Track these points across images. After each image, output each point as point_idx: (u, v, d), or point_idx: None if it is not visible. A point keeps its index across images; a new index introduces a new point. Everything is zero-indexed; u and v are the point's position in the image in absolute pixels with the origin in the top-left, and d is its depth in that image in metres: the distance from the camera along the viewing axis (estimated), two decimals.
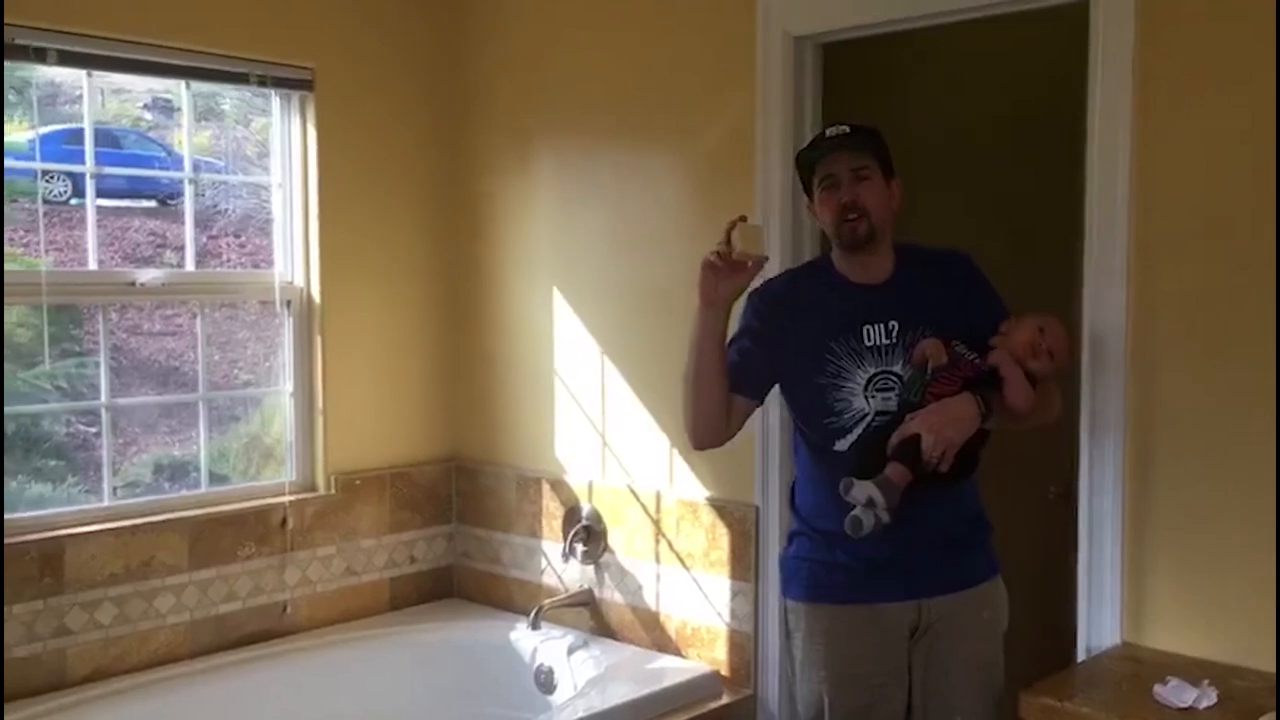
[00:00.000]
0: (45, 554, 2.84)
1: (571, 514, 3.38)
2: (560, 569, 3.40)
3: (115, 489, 3.12)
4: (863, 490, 2.04)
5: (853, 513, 2.07)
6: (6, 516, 2.85)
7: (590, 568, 3.34)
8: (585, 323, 3.33)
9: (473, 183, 3.61)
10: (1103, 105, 2.38)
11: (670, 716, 2.85)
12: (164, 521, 3.08)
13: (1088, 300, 2.42)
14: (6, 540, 2.79)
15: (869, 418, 2.20)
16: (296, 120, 3.39)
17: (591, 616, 3.33)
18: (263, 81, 3.26)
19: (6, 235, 3.14)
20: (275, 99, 3.38)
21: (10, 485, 2.90)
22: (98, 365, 3.16)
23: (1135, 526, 2.37)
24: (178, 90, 3.28)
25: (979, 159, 3.57)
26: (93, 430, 3.28)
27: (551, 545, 3.42)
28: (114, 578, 2.95)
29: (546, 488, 3.45)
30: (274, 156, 3.43)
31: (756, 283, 2.25)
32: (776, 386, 2.34)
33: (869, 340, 2.22)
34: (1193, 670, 2.14)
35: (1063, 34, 2.62)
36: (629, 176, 3.22)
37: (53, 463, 3.24)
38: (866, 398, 2.21)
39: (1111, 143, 2.37)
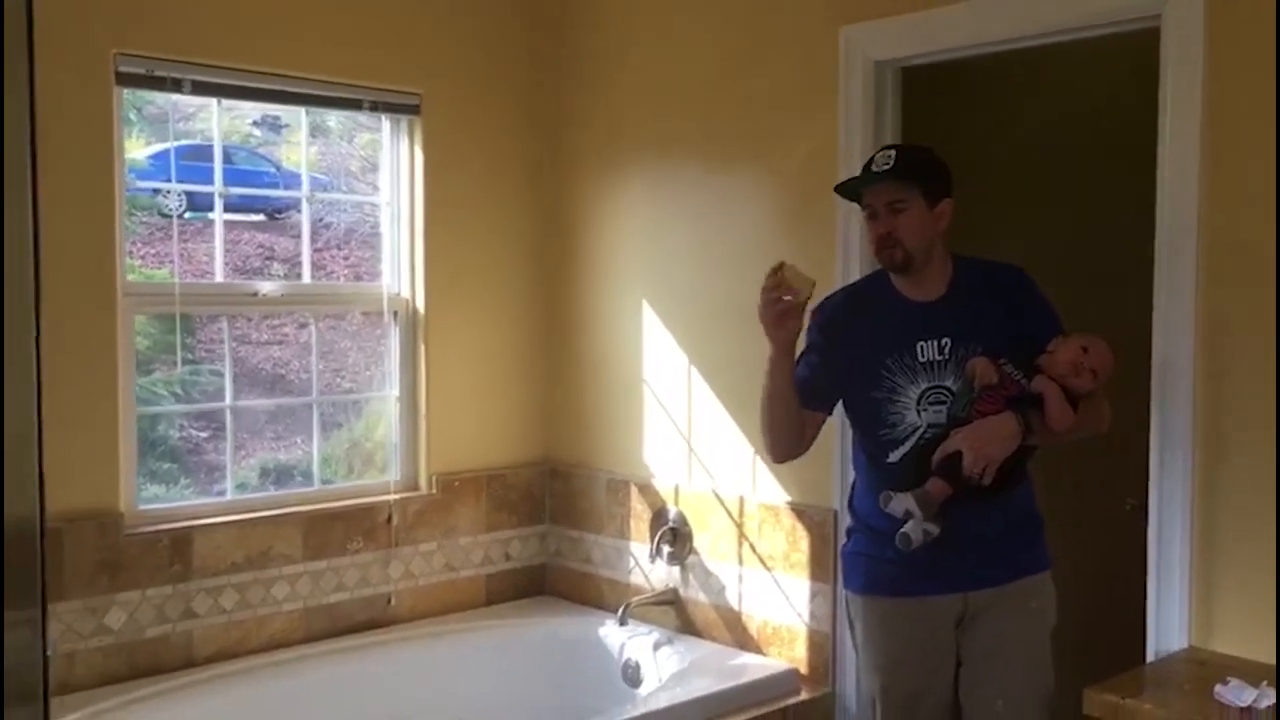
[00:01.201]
0: (175, 543, 3.09)
1: (659, 516, 3.54)
2: (647, 569, 3.56)
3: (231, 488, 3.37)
4: (900, 503, 2.18)
5: (901, 529, 2.20)
6: (141, 508, 3.11)
7: (676, 568, 3.49)
8: (673, 334, 3.49)
9: (568, 201, 3.80)
10: (1172, 131, 2.46)
11: (749, 711, 2.98)
12: (281, 515, 3.31)
13: (1157, 318, 2.50)
14: (140, 530, 3.05)
15: (921, 430, 2.31)
16: (404, 142, 3.61)
17: (676, 615, 3.48)
18: (374, 107, 3.49)
19: (128, 248, 3.41)
20: (385, 122, 3.61)
21: (140, 496, 3.15)
22: (212, 372, 3.41)
23: (1203, 536, 2.45)
24: (287, 108, 3.52)
25: (1063, 167, 3.65)
26: (204, 435, 3.53)
27: (639, 546, 3.59)
28: (235, 566, 3.19)
29: (635, 491, 3.61)
30: (382, 175, 3.65)
31: (818, 300, 2.38)
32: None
33: (922, 356, 2.32)
34: (1256, 673, 2.21)
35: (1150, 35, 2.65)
36: (715, 196, 3.38)
37: (167, 465, 3.49)
38: (919, 411, 2.31)
39: (1181, 168, 2.44)
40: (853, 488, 2.52)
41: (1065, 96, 3.64)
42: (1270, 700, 2.08)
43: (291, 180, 3.57)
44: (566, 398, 3.84)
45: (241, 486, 3.45)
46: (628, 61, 3.60)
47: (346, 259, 3.80)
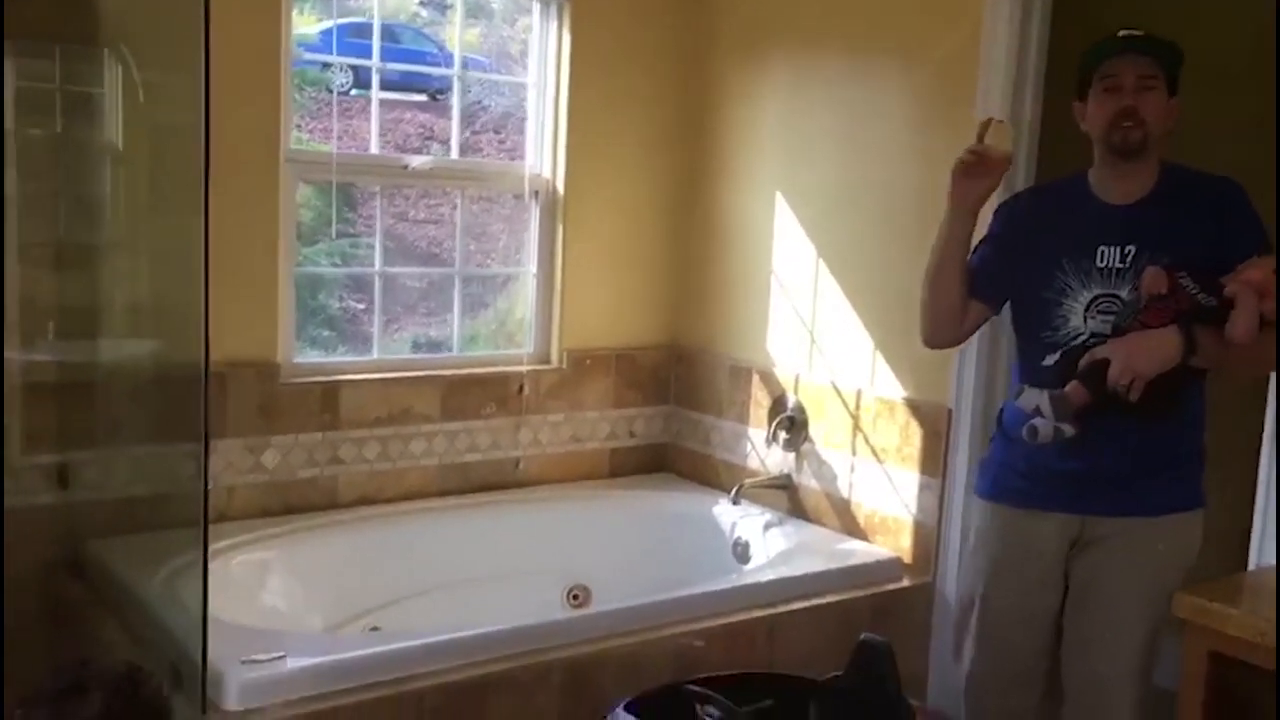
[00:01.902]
0: (326, 394, 3.34)
1: (777, 404, 3.64)
2: (763, 453, 3.69)
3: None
4: (1031, 399, 2.13)
5: (1030, 421, 2.17)
6: (296, 360, 3.36)
7: (791, 455, 3.60)
8: (803, 226, 3.55)
9: (709, 90, 3.85)
10: None
11: (851, 592, 3.11)
12: (421, 378, 3.53)
13: None
14: (295, 380, 3.30)
15: (1083, 338, 2.23)
16: (554, 26, 3.70)
17: (788, 499, 3.60)
18: None
19: (295, 121, 3.61)
20: (536, 4, 3.70)
21: (296, 351, 3.40)
22: (370, 246, 3.62)
23: None
24: None
25: (1233, 77, 3.50)
26: (360, 306, 3.76)
27: (756, 431, 3.71)
28: (378, 421, 3.43)
29: (756, 378, 3.72)
30: (531, 58, 3.76)
31: (1005, 195, 2.34)
32: None
33: (1101, 261, 2.23)
34: None
35: None
36: (854, 89, 3.39)
37: (326, 333, 3.74)
38: (1085, 318, 2.24)
39: None
40: (1003, 407, 2.49)
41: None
42: None
43: (452, 61, 3.70)
44: (696, 284, 3.94)
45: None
46: None
47: (502, 142, 3.93)
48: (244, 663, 2.30)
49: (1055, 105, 3.04)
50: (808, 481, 3.55)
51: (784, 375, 3.62)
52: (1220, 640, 2.20)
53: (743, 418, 3.76)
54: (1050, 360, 2.27)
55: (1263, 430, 2.56)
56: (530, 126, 3.78)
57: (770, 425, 3.62)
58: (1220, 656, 2.21)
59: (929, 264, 2.39)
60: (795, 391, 3.59)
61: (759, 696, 2.20)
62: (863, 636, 2.22)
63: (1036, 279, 2.30)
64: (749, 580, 3.14)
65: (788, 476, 3.61)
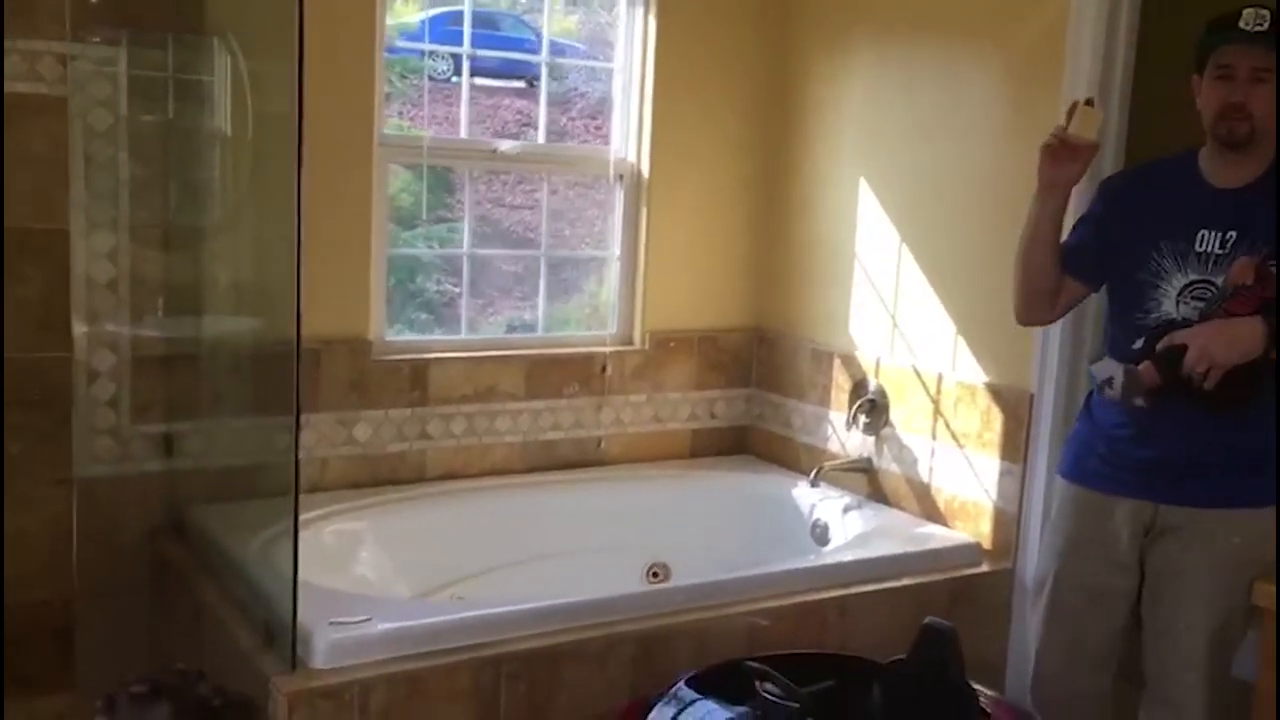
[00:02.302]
0: (415, 371, 3.45)
1: (859, 387, 3.65)
2: (844, 437, 3.70)
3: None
4: (1105, 368, 2.13)
5: (1107, 377, 2.15)
6: (387, 338, 3.48)
7: (871, 439, 3.61)
8: (886, 211, 3.54)
9: (792, 75, 3.86)
10: None
11: (930, 575, 3.11)
12: (506, 356, 3.62)
13: None
14: (386, 357, 3.42)
15: (1174, 323, 2.20)
16: (640, 11, 3.75)
17: (868, 482, 3.61)
18: None
19: (397, 108, 3.72)
20: None
21: (388, 330, 3.51)
22: (464, 229, 3.72)
23: None
24: None
25: None
26: (456, 290, 3.86)
27: (837, 415, 3.72)
28: (465, 398, 3.54)
29: (838, 362, 3.73)
30: (617, 44, 3.82)
31: (1107, 173, 2.32)
32: None
33: (1200, 246, 2.19)
34: None
35: None
36: (938, 73, 3.37)
37: (424, 316, 3.85)
38: (1178, 302, 2.21)
39: None
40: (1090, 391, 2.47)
41: None
42: None
43: (550, 48, 3.77)
44: (779, 267, 3.96)
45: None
46: None
47: (598, 128, 3.98)
48: (331, 624, 2.41)
49: (1146, 84, 3.00)
50: (888, 465, 3.56)
51: (865, 359, 3.63)
52: None
53: (824, 401, 3.78)
54: (1139, 343, 2.24)
55: None
56: (616, 111, 3.83)
57: (851, 409, 3.63)
58: None
59: (1020, 244, 2.39)
60: (876, 375, 3.59)
61: (822, 676, 2.23)
62: (927, 620, 2.24)
63: (1133, 260, 2.28)
64: (822, 561, 3.17)
65: (868, 460, 3.62)
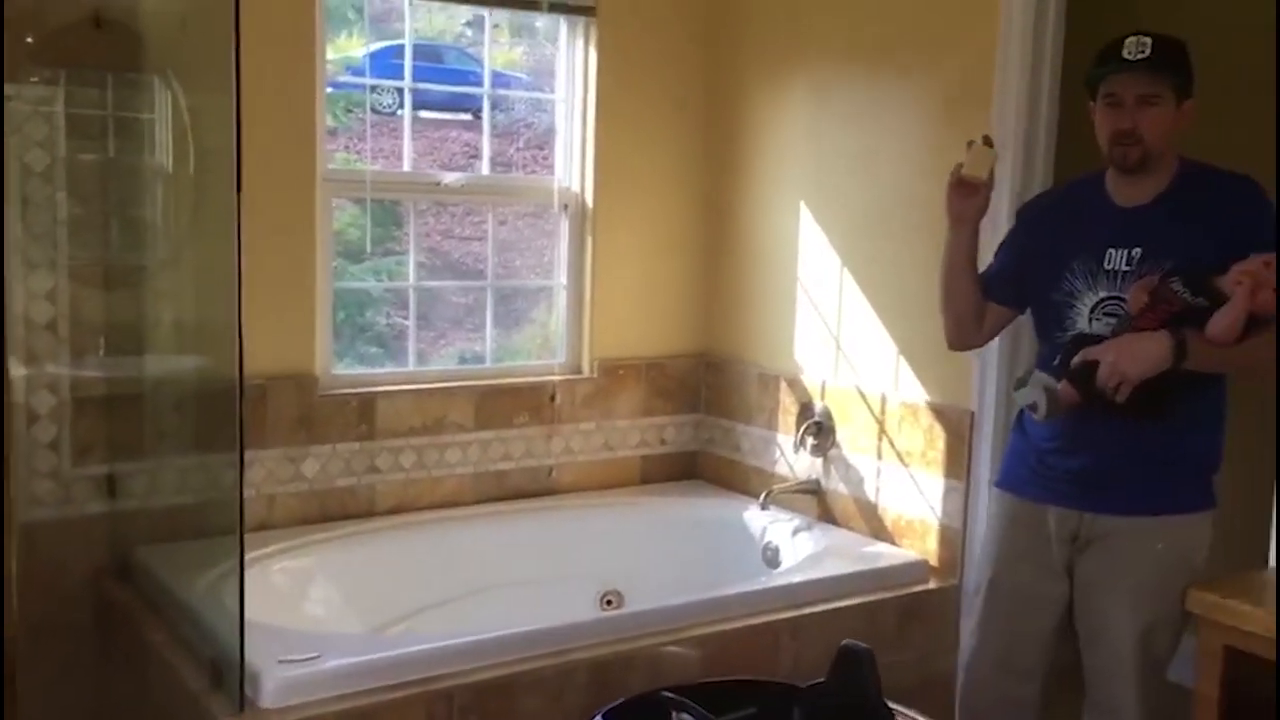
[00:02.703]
0: (363, 405, 3.44)
1: (805, 410, 3.69)
2: (791, 459, 3.73)
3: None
4: (1028, 394, 2.20)
5: (1031, 400, 2.22)
6: (334, 372, 3.47)
7: (819, 460, 3.65)
8: (827, 235, 3.60)
9: (733, 104, 3.92)
10: None
11: (878, 594, 3.14)
12: (455, 388, 3.62)
13: None
14: (333, 392, 3.41)
15: (1086, 338, 2.27)
16: (580, 43, 3.80)
17: (817, 504, 3.65)
18: (551, 8, 3.68)
19: (343, 142, 3.72)
20: (563, 23, 3.79)
21: (336, 365, 3.50)
22: (415, 262, 3.72)
23: None
24: (472, 8, 3.71)
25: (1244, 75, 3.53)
26: (406, 323, 3.85)
27: (785, 438, 3.75)
28: (414, 430, 3.53)
29: (784, 385, 3.77)
30: (559, 75, 3.86)
31: (1028, 196, 2.44)
32: None
33: (1108, 264, 2.26)
34: None
35: None
36: (873, 102, 3.44)
37: (373, 349, 3.84)
38: (1091, 320, 2.28)
39: None
40: None
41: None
42: None
43: (494, 80, 3.79)
44: (724, 293, 4.00)
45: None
46: None
47: (545, 158, 4.00)
48: (280, 662, 2.39)
49: (1072, 108, 3.08)
50: (835, 486, 3.60)
51: (811, 382, 3.67)
52: (1235, 636, 2.23)
53: (771, 424, 3.82)
54: (1058, 360, 2.31)
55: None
56: (560, 142, 3.87)
57: (798, 431, 3.67)
58: (1235, 652, 2.24)
59: (940, 275, 2.49)
60: (822, 397, 3.64)
61: (743, 704, 2.25)
62: (844, 643, 2.28)
63: (1048, 281, 2.35)
64: (773, 583, 3.19)
65: (816, 481, 3.65)
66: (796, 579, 3.18)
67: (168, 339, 3.31)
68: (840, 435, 3.57)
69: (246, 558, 2.44)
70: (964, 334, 2.54)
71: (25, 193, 2.96)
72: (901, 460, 3.37)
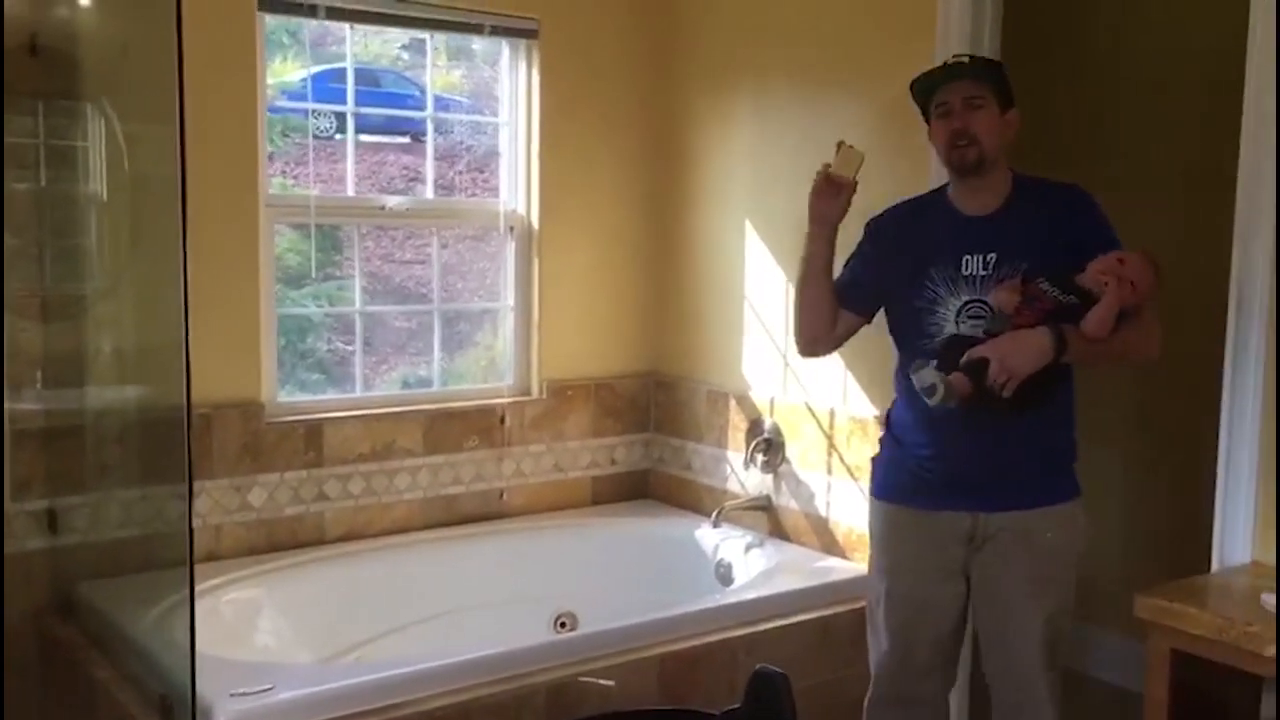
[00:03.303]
0: (310, 432, 3.40)
1: (754, 427, 3.71)
2: (742, 476, 3.75)
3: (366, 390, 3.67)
4: (926, 376, 2.22)
5: (930, 382, 2.25)
6: (280, 400, 3.43)
7: (769, 476, 3.67)
8: (773, 253, 3.63)
9: (676, 124, 3.95)
10: (1258, 62, 2.50)
11: (831, 607, 3.16)
12: (404, 412, 3.60)
13: (1237, 238, 2.55)
14: (279, 419, 3.36)
15: (961, 338, 2.33)
16: (522, 65, 3.80)
17: (768, 520, 3.67)
18: (493, 31, 3.69)
19: (280, 167, 3.68)
20: (504, 47, 3.80)
21: (280, 392, 3.47)
22: (354, 287, 3.70)
23: (1267, 454, 2.51)
24: (413, 32, 3.72)
25: (1170, 98, 3.64)
26: (350, 349, 3.82)
27: (735, 455, 3.77)
28: (362, 457, 3.50)
29: (733, 402, 3.79)
30: (502, 98, 3.86)
31: (877, 210, 2.49)
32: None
33: (966, 270, 2.35)
34: None
35: None
36: (813, 118, 3.48)
37: (315, 376, 3.80)
38: (957, 324, 2.36)
39: (1261, 97, 2.48)
40: (891, 405, 2.60)
41: (1168, 30, 3.61)
42: None
43: (434, 103, 3.78)
44: (671, 313, 4.02)
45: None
46: None
47: (486, 181, 4.00)
48: (233, 695, 2.35)
49: None
50: (786, 502, 3.62)
51: (760, 399, 3.70)
52: (1181, 639, 2.27)
53: (721, 442, 3.83)
54: (935, 363, 2.35)
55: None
56: (504, 164, 3.87)
57: (748, 448, 3.69)
58: (1181, 655, 2.28)
59: (798, 280, 2.53)
60: (771, 414, 3.66)
61: None
62: (758, 668, 2.32)
63: (908, 290, 2.42)
64: (727, 600, 3.20)
65: (767, 498, 3.68)
66: (750, 596, 3.19)
67: (108, 369, 3.25)
68: (790, 451, 3.60)
69: (194, 590, 2.39)
70: (818, 338, 2.59)
71: None
72: (851, 474, 3.40)
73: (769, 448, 3.65)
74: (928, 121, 2.44)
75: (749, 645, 2.96)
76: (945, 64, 2.41)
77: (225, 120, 3.20)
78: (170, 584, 2.60)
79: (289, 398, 3.50)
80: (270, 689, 2.40)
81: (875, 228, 2.55)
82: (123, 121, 3.08)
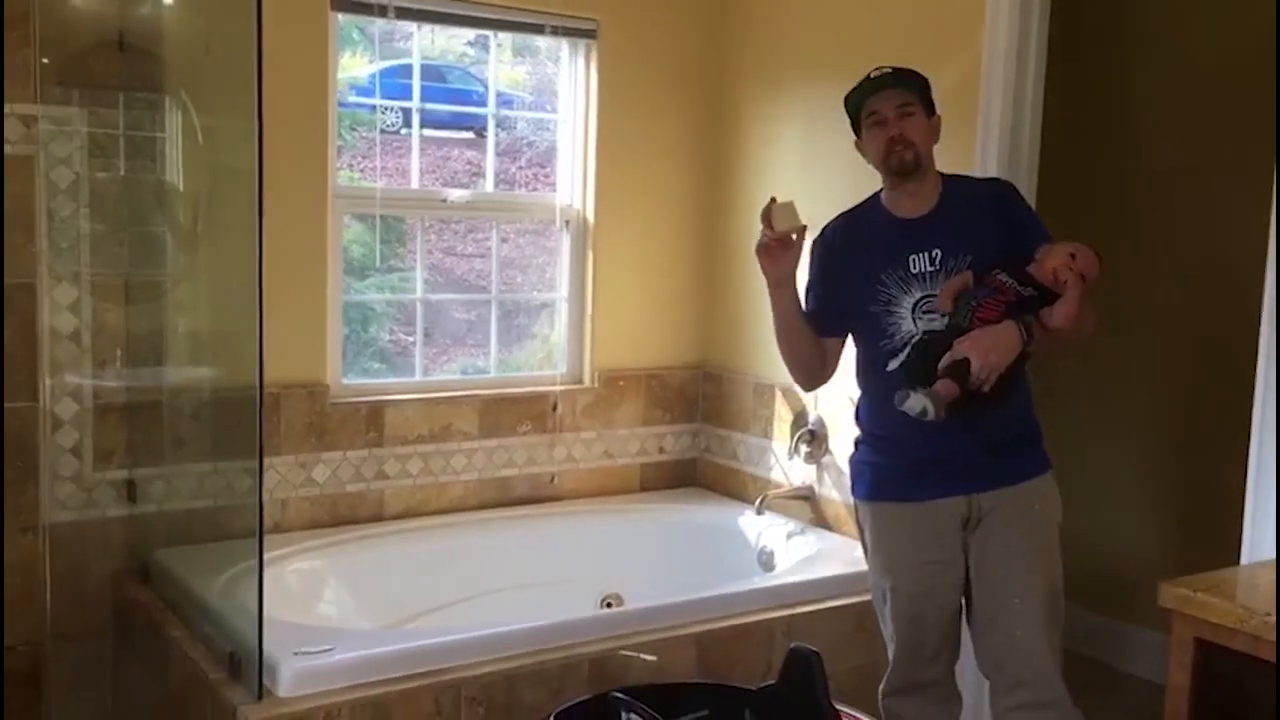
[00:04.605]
0: (371, 413, 3.56)
1: (799, 419, 3.81)
2: (786, 467, 3.85)
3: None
4: (915, 403, 2.26)
5: (917, 406, 2.29)
6: (344, 382, 3.59)
7: (812, 467, 3.76)
8: None
9: (729, 123, 4.06)
10: None
11: (868, 594, 3.24)
12: (460, 397, 3.75)
13: (1273, 248, 2.60)
14: (343, 400, 3.53)
15: (918, 337, 2.44)
16: (581, 64, 3.94)
17: (810, 509, 3.77)
18: (554, 31, 3.82)
19: (348, 161, 3.85)
20: (564, 45, 3.94)
21: (344, 378, 3.62)
22: (416, 278, 3.85)
23: None
24: (478, 32, 3.85)
25: (1221, 101, 3.67)
26: (410, 339, 3.98)
27: (780, 445, 3.87)
28: (421, 438, 3.65)
29: (779, 395, 3.89)
30: (561, 95, 4.00)
31: (814, 233, 2.56)
32: None
33: (915, 268, 2.45)
34: None
35: None
36: None
37: (377, 365, 3.96)
38: (914, 320, 2.45)
39: None
40: (857, 401, 2.66)
41: (1216, 33, 3.65)
42: None
43: (498, 99, 3.91)
44: (721, 307, 4.13)
45: None
46: None
47: (547, 176, 4.13)
48: (296, 654, 2.51)
49: (1053, 116, 3.23)
50: (828, 492, 3.71)
51: (805, 392, 3.78)
52: (1205, 628, 2.34)
53: (767, 433, 3.94)
54: (894, 365, 2.46)
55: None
56: (562, 159, 4.00)
57: (792, 439, 3.78)
58: (1204, 644, 2.35)
59: (777, 335, 2.61)
60: (815, 407, 3.76)
61: (697, 705, 2.36)
62: (792, 646, 2.40)
63: (863, 298, 2.51)
64: (766, 583, 3.30)
65: (810, 488, 3.77)
66: (790, 580, 3.29)
67: (185, 349, 3.43)
68: (832, 443, 3.69)
69: (263, 554, 2.55)
70: (815, 378, 2.68)
71: (51, 208, 3.09)
72: None
73: (813, 439, 3.75)
74: (858, 133, 2.56)
75: (786, 627, 3.07)
76: (871, 76, 2.51)
77: (298, 115, 3.37)
78: (239, 552, 2.77)
79: (352, 380, 3.66)
80: (330, 649, 2.56)
81: (821, 248, 2.63)
82: (201, 114, 3.25)
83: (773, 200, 2.49)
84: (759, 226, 3.92)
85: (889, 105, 2.47)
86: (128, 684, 3.09)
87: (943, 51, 3.30)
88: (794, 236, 2.49)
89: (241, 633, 2.58)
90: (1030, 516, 2.49)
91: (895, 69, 2.50)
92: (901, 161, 2.47)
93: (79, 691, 3.07)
